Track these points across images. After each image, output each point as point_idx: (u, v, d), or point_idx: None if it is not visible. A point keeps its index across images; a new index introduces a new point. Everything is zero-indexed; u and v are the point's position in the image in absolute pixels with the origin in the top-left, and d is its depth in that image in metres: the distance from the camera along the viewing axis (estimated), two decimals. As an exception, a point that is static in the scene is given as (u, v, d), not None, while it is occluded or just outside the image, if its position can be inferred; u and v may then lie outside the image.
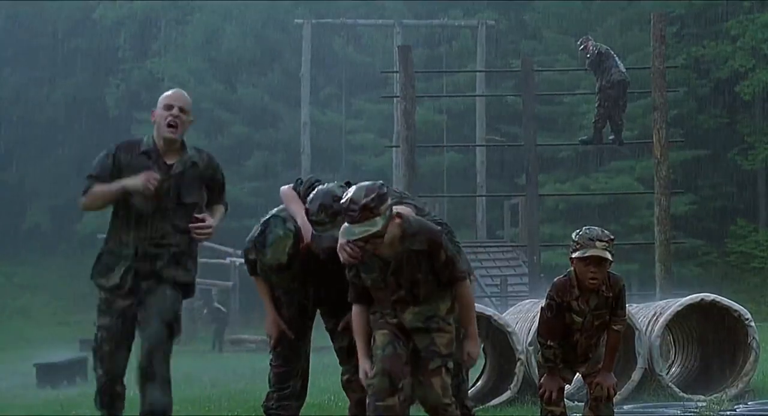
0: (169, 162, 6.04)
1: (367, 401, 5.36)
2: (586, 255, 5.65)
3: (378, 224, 5.18)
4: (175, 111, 6.05)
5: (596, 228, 5.75)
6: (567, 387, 6.08)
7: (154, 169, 5.96)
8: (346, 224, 5.23)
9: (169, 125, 6.01)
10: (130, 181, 5.88)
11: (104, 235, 6.23)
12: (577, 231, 5.77)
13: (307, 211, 5.64)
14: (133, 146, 6.12)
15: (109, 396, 6.18)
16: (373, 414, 5.33)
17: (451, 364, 5.45)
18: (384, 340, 5.38)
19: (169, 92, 6.22)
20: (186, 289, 6.05)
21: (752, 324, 9.47)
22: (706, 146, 35.75)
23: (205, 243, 5.45)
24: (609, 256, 5.65)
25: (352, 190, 5.25)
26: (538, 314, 5.99)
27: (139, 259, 5.99)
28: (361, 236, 5.20)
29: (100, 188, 5.98)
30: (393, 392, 5.31)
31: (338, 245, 5.44)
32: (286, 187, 6.07)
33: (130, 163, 6.00)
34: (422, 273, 5.37)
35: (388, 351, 5.35)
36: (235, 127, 40.78)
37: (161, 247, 5.97)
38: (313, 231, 5.67)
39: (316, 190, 5.68)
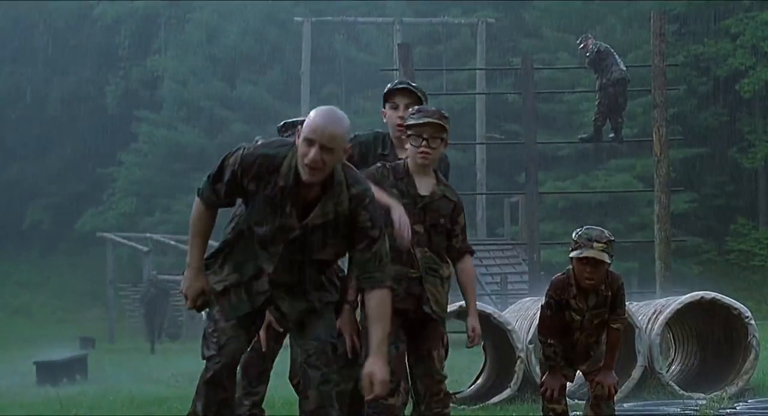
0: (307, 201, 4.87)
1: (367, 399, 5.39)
2: (582, 255, 5.65)
3: (445, 125, 5.47)
4: (315, 153, 4.74)
5: (597, 228, 5.75)
6: (568, 385, 6.09)
7: (286, 214, 4.84)
8: (413, 118, 5.48)
9: (307, 166, 4.77)
10: (192, 284, 4.97)
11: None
12: (578, 230, 5.79)
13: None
14: (270, 172, 4.85)
15: None
16: (374, 412, 5.38)
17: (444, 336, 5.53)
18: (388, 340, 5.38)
19: (316, 117, 4.77)
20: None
21: (752, 322, 9.47)
22: (706, 144, 35.73)
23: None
24: (606, 258, 5.64)
25: None
26: (538, 312, 5.99)
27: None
28: (431, 121, 5.42)
29: (200, 222, 4.99)
30: (393, 392, 5.36)
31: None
32: None
33: (258, 194, 4.86)
34: (443, 220, 5.48)
35: (392, 353, 5.36)
36: (235, 125, 40.77)
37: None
38: None
39: None
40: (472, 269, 5.58)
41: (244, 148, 4.91)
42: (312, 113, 4.80)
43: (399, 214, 5.24)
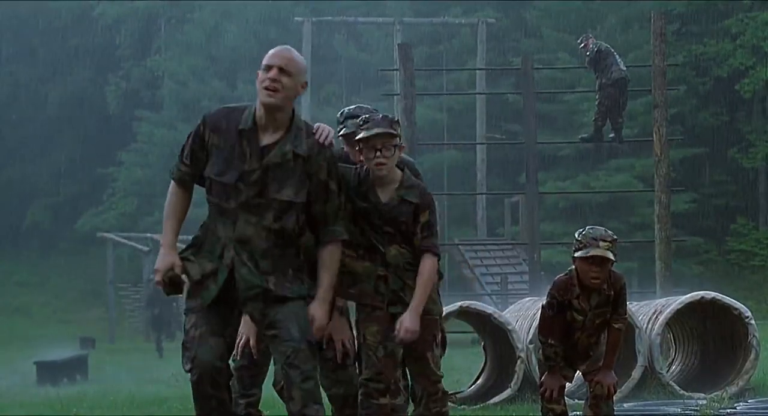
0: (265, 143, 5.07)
1: (360, 399, 5.43)
2: (589, 254, 5.66)
3: (395, 133, 5.47)
4: (272, 73, 5.03)
5: (600, 228, 5.78)
6: (568, 385, 6.09)
7: (247, 158, 5.02)
8: (362, 132, 5.47)
9: (266, 89, 5.04)
10: (163, 259, 5.08)
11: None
12: (581, 230, 5.79)
13: (342, 112, 5.85)
14: (230, 121, 5.09)
15: None
16: (366, 412, 5.41)
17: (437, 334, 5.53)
18: (375, 340, 5.41)
19: (273, 49, 5.15)
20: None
21: (752, 322, 9.48)
22: (706, 144, 35.74)
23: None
24: (611, 256, 5.67)
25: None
26: (539, 312, 5.99)
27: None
28: (379, 132, 5.40)
29: (173, 203, 5.17)
30: (385, 392, 5.40)
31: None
32: None
33: (220, 144, 5.05)
34: (406, 225, 5.47)
35: (381, 353, 5.41)
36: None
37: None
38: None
39: None
40: (427, 270, 5.45)
41: (205, 115, 5.17)
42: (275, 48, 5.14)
43: (319, 125, 5.31)
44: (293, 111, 5.10)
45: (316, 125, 5.23)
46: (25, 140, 45.20)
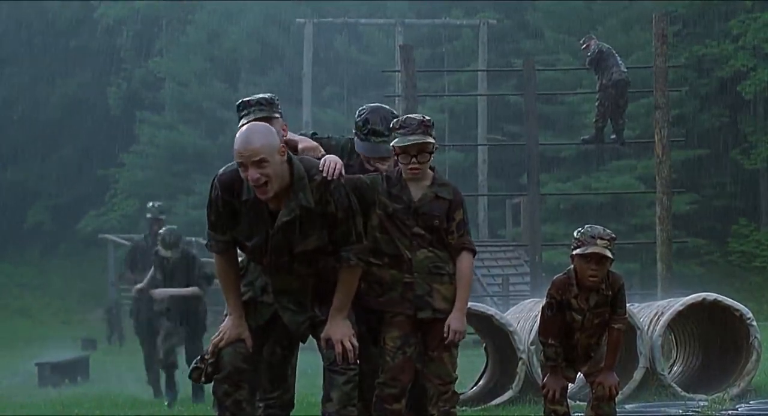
0: (273, 208, 5.16)
1: (374, 401, 5.52)
2: (587, 252, 5.68)
3: (430, 141, 5.52)
4: (251, 172, 5.01)
5: (598, 226, 5.81)
6: (570, 386, 6.09)
7: (261, 223, 5.16)
8: (398, 138, 5.51)
9: (256, 186, 5.05)
10: (235, 329, 5.30)
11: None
12: (579, 229, 5.82)
13: (366, 121, 5.74)
14: (235, 189, 5.17)
15: None
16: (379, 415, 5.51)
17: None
18: (394, 345, 5.51)
19: (236, 143, 5.10)
20: None
21: (754, 323, 9.48)
22: (707, 145, 35.71)
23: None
24: (610, 254, 5.69)
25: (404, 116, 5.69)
26: (540, 313, 6.00)
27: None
28: (416, 142, 5.46)
29: (224, 274, 5.31)
30: (399, 398, 5.52)
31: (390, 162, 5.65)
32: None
33: (239, 210, 5.18)
34: (438, 221, 5.54)
35: (398, 359, 5.50)
36: (237, 127, 40.71)
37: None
38: (365, 142, 5.74)
39: (365, 106, 5.89)
40: (465, 267, 5.59)
41: (215, 176, 5.22)
42: (236, 138, 5.10)
43: (325, 159, 5.30)
44: (289, 160, 5.09)
45: (321, 161, 5.22)
46: (26, 141, 45.19)
